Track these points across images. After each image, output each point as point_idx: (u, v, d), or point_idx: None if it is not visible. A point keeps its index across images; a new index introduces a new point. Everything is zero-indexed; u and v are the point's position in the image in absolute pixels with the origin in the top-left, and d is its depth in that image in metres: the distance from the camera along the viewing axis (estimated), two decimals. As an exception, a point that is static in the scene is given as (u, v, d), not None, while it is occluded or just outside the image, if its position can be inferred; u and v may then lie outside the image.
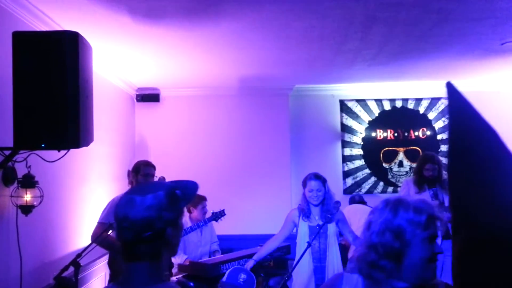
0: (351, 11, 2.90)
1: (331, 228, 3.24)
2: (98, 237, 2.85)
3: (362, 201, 4.74)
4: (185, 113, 5.39)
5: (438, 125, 5.56)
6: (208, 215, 4.18)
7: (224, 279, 2.94)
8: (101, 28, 3.09)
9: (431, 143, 5.51)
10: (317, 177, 3.26)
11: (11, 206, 2.51)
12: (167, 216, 1.19)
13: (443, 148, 5.53)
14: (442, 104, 5.55)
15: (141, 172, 3.39)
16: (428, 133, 5.54)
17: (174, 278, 3.74)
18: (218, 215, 4.16)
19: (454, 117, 0.84)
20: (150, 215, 1.17)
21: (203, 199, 4.26)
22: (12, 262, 2.53)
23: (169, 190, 1.22)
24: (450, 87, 0.85)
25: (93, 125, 2.51)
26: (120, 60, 3.98)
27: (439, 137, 5.55)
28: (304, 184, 3.30)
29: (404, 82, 5.40)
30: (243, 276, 3.01)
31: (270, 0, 2.70)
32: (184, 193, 1.27)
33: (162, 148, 5.32)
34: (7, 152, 2.34)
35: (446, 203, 4.03)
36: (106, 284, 3.28)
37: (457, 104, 0.84)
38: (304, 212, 3.28)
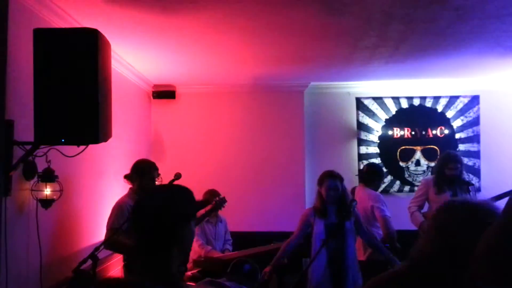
0: (368, 8, 2.88)
1: (348, 225, 3.23)
2: (111, 242, 2.88)
3: (375, 171, 4.14)
4: (201, 110, 5.43)
5: (456, 123, 5.47)
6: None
7: (228, 270, 2.97)
8: (118, 25, 3.12)
9: (449, 141, 5.43)
10: (334, 175, 3.25)
11: (31, 199, 2.56)
12: (168, 218, 1.31)
13: (461, 147, 5.45)
14: (461, 103, 5.46)
15: (149, 176, 3.26)
16: (446, 131, 5.46)
17: (189, 273, 3.78)
18: (219, 203, 4.11)
19: None
20: (155, 214, 1.30)
21: (216, 194, 4.27)
22: (32, 254, 2.59)
23: None
24: None
25: (112, 121, 2.55)
26: (137, 57, 4.03)
27: (457, 135, 5.47)
28: (321, 182, 3.29)
29: (422, 80, 5.33)
30: (247, 266, 3.02)
31: (287, -3, 2.70)
32: None
33: (178, 145, 5.36)
34: (28, 147, 2.40)
35: None
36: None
37: None
38: (320, 211, 3.27)
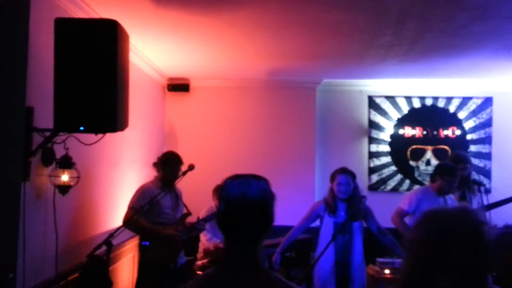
0: (385, 5, 2.88)
1: (356, 224, 3.25)
2: (130, 221, 2.98)
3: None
4: (214, 103, 5.47)
5: (468, 124, 5.45)
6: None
7: None
8: (136, 18, 3.16)
9: (461, 142, 5.41)
10: (347, 171, 3.27)
11: (49, 185, 2.62)
12: (273, 203, 1.30)
13: (473, 148, 5.43)
14: (474, 104, 5.43)
15: (172, 168, 3.38)
16: (458, 132, 5.44)
17: (199, 263, 3.84)
18: None
19: None
20: (265, 197, 1.27)
21: None
22: (48, 239, 2.65)
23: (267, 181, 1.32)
24: None
25: (129, 111, 2.60)
26: (153, 50, 4.07)
27: (468, 137, 5.45)
28: (333, 178, 3.31)
29: (435, 80, 5.32)
30: None
31: (304, -7, 2.71)
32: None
33: (190, 137, 5.42)
34: (47, 134, 2.46)
35: (473, 205, 3.97)
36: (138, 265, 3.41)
37: None
38: (330, 207, 3.29)
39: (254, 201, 1.25)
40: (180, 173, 3.44)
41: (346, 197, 3.26)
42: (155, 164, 3.47)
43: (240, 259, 1.25)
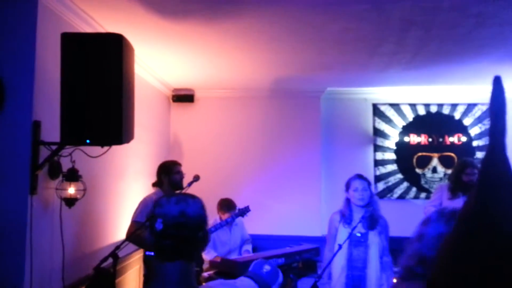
0: (387, 14, 2.89)
1: (373, 237, 3.03)
2: (132, 235, 2.98)
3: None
4: (219, 114, 5.49)
5: (474, 131, 5.43)
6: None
7: (250, 268, 2.98)
8: (141, 30, 3.20)
9: (467, 149, 5.38)
10: (362, 177, 3.13)
11: (56, 198, 2.64)
12: (207, 222, 1.34)
13: (479, 155, 5.39)
14: (479, 110, 5.42)
15: (174, 170, 3.47)
16: (464, 139, 5.42)
17: (205, 274, 3.82)
18: (243, 211, 4.26)
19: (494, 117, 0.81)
20: (203, 215, 1.31)
21: (232, 208, 4.30)
22: (55, 252, 2.66)
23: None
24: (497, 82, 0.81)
25: (134, 123, 2.61)
26: (158, 61, 4.11)
27: (474, 143, 5.42)
28: (348, 185, 3.16)
29: (439, 87, 5.31)
30: (267, 267, 3.03)
31: (306, 2, 2.73)
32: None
33: (196, 148, 5.43)
34: (54, 147, 2.48)
35: None
36: (143, 278, 3.41)
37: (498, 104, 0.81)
38: (345, 217, 3.11)
39: (194, 218, 1.28)
40: (184, 175, 3.51)
41: (364, 204, 3.04)
42: (156, 183, 3.48)
43: (173, 276, 1.28)
